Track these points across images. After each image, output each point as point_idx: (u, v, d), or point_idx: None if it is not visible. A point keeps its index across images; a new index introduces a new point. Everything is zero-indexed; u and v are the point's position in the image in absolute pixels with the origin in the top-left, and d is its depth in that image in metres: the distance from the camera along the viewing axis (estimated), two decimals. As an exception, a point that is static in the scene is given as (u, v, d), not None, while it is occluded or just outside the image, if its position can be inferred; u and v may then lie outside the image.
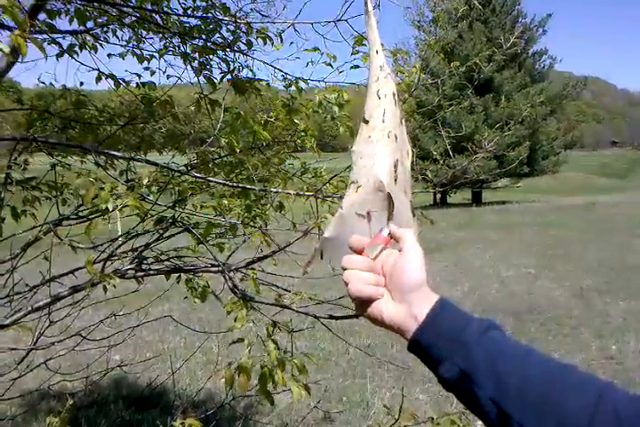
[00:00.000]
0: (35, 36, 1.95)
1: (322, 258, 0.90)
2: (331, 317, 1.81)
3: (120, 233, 2.13)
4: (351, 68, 2.41)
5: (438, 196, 29.86)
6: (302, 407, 4.30)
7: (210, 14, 2.34)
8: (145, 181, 1.60)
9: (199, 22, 2.36)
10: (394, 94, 0.92)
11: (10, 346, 2.39)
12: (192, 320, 6.79)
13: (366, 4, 0.99)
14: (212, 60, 2.46)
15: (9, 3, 1.05)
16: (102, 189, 1.36)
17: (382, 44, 0.99)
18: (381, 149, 0.88)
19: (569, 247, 11.54)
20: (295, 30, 2.44)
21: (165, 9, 2.33)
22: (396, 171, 0.88)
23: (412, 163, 0.97)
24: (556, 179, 32.27)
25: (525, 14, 27.67)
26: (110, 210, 1.34)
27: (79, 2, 2.24)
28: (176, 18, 2.42)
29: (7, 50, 1.10)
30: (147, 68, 2.58)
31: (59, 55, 2.44)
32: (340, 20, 2.30)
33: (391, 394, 4.59)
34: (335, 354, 5.62)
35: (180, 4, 2.41)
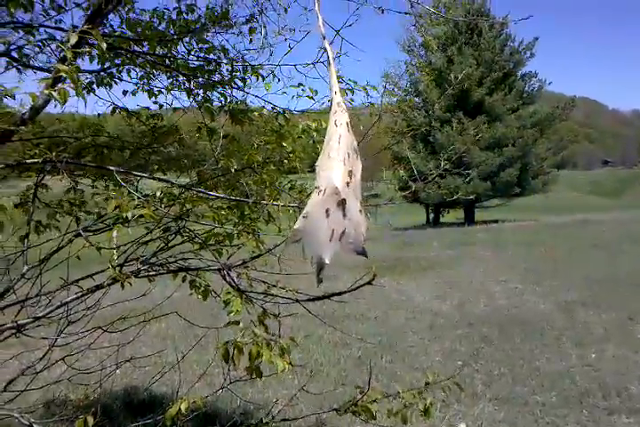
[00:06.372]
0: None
1: (298, 241, 1.21)
2: (309, 299, 2.12)
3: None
4: (329, 100, 2.84)
5: (431, 216, 30.38)
6: (295, 413, 4.53)
7: (211, 55, 2.79)
8: (158, 193, 1.93)
9: (202, 63, 2.79)
10: (347, 123, 1.25)
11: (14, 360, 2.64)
12: (189, 337, 7.01)
13: (328, 57, 1.33)
14: (212, 94, 2.87)
15: (72, 68, 1.39)
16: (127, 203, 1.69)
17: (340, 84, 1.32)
18: (337, 164, 1.20)
19: (557, 264, 11.83)
20: (280, 72, 2.87)
21: (173, 52, 2.75)
22: (348, 179, 1.20)
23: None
24: (548, 198, 32.73)
25: (514, 38, 28.33)
26: (130, 219, 1.66)
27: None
28: (190, 59, 2.83)
29: (56, 95, 1.44)
30: (155, 103, 3.00)
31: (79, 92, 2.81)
32: (317, 62, 2.80)
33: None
34: (327, 365, 5.86)
35: (185, 47, 2.85)
